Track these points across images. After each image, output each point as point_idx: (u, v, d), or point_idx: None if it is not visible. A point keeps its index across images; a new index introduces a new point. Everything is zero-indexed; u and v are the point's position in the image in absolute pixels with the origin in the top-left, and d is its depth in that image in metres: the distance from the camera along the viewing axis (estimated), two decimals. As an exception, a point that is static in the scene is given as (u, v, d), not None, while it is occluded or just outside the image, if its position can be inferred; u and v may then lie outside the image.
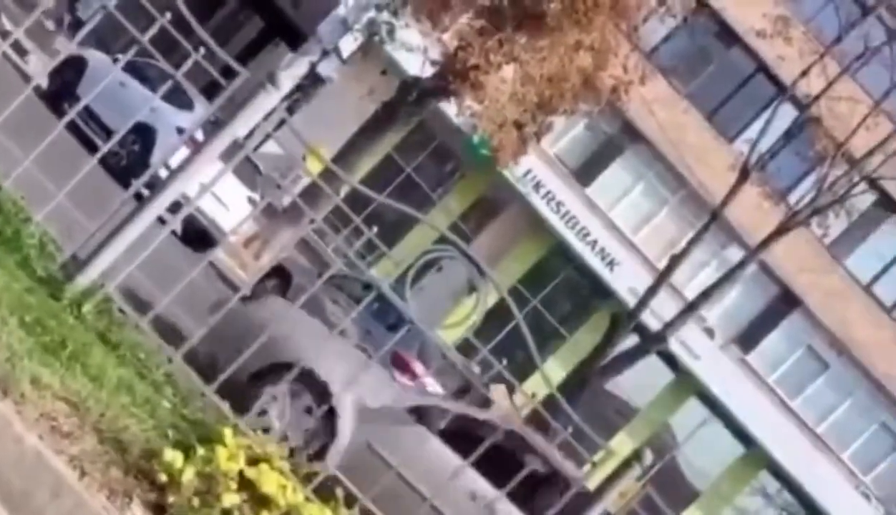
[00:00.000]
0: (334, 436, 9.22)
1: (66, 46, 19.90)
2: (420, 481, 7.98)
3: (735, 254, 30.07)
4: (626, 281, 31.47)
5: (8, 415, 5.44)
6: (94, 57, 20.24)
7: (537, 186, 32.25)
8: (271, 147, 18.74)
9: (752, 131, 28.54)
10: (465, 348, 18.17)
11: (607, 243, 32.55)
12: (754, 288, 32.40)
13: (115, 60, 18.85)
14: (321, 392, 8.85)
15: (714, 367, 32.02)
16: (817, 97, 26.64)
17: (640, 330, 27.85)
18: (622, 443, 28.56)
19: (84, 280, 7.24)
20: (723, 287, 27.49)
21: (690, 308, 27.24)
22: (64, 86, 19.02)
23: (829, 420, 32.89)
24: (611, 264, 32.46)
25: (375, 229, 7.92)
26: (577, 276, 33.20)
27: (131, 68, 17.44)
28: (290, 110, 22.44)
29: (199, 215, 14.56)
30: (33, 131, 7.61)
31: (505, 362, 8.84)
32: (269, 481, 6.29)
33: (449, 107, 23.08)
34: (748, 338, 33.06)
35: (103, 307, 7.30)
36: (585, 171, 33.17)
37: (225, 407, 7.39)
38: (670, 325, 26.95)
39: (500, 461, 8.40)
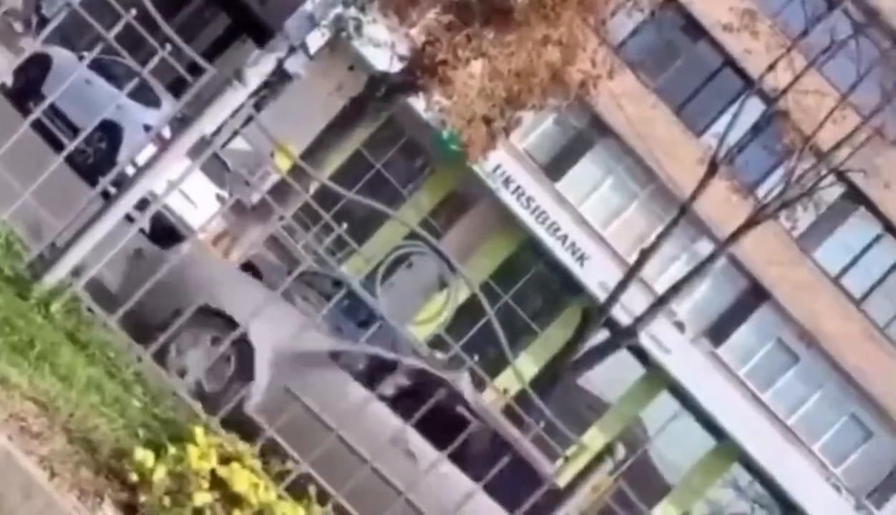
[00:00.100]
0: (251, 379, 9.24)
1: (30, 44, 19.76)
2: (340, 425, 8.00)
3: (705, 247, 30.17)
4: (597, 275, 31.53)
5: (-24, 417, 5.39)
6: (60, 54, 20.11)
7: (507, 181, 32.27)
8: (239, 144, 18.66)
9: (721, 125, 28.62)
10: (437, 344, 18.15)
11: (577, 238, 32.59)
12: (724, 281, 32.53)
13: (81, 58, 18.77)
14: (240, 337, 8.77)
15: (685, 361, 32.12)
16: (784, 91, 26.74)
17: (611, 324, 27.90)
18: (594, 438, 28.60)
19: (52, 279, 7.19)
20: (692, 281, 27.57)
21: (661, 302, 27.31)
22: (29, 84, 18.89)
23: (799, 412, 33.05)
24: (581, 259, 32.50)
25: (345, 225, 7.88)
26: (548, 271, 33.23)
27: (97, 66, 17.32)
28: (258, 107, 22.36)
29: (167, 212, 14.48)
30: (-2, 130, 7.55)
31: (476, 358, 8.83)
32: (241, 479, 6.25)
33: (417, 103, 23.01)
34: (718, 332, 33.18)
35: (71, 306, 7.26)
36: (555, 166, 33.20)
37: (197, 406, 7.35)
38: (641, 320, 27.01)
39: (419, 400, 8.42)
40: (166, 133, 11.87)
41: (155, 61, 7.33)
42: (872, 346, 32.75)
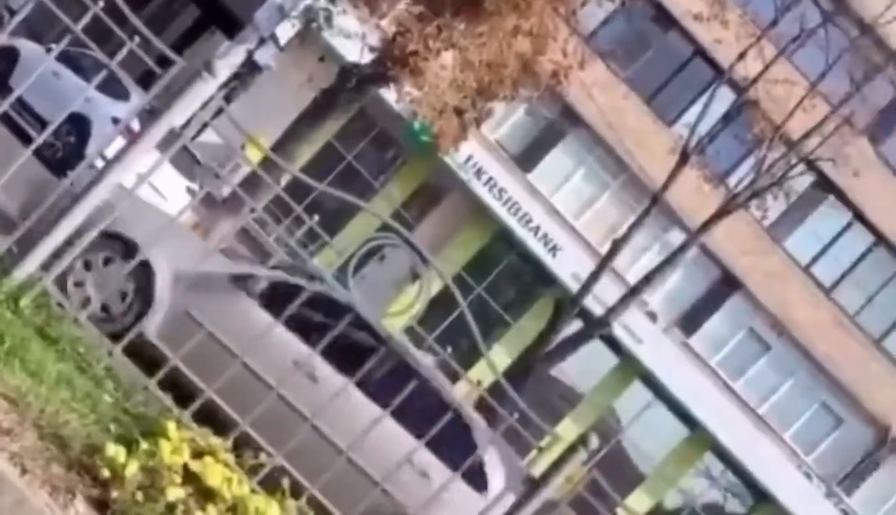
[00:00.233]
0: (151, 303, 9.21)
1: (-3, 37, 19.59)
2: (243, 349, 7.98)
3: (676, 237, 30.23)
4: (569, 266, 31.57)
5: (-56, 413, 5.34)
6: (27, 47, 19.95)
7: (479, 173, 32.25)
8: (209, 136, 18.55)
9: (691, 115, 28.68)
10: (410, 336, 18.11)
11: (550, 229, 32.62)
12: (696, 271, 32.62)
13: (49, 50, 18.61)
14: (141, 262, 8.68)
15: (657, 351, 32.21)
16: (755, 80, 26.82)
17: (584, 315, 27.95)
18: (568, 429, 28.69)
19: (21, 274, 7.13)
20: (664, 270, 27.63)
21: (633, 292, 27.36)
22: (-5, 76, 18.74)
23: (770, 400, 33.21)
24: (553, 250, 32.53)
25: (317, 218, 7.87)
26: (521, 263, 33.24)
27: (65, 58, 17.21)
28: (228, 99, 22.24)
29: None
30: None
31: (450, 350, 8.82)
32: (214, 474, 6.22)
33: (389, 94, 22.98)
34: (690, 321, 33.29)
35: (41, 301, 7.20)
36: (527, 157, 33.21)
37: (168, 400, 7.31)
38: (613, 310, 27.05)
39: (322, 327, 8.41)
40: (135, 126, 11.80)
41: (123, 53, 7.27)
42: (842, 334, 32.94)
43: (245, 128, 8.31)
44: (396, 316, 24.33)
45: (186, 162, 19.86)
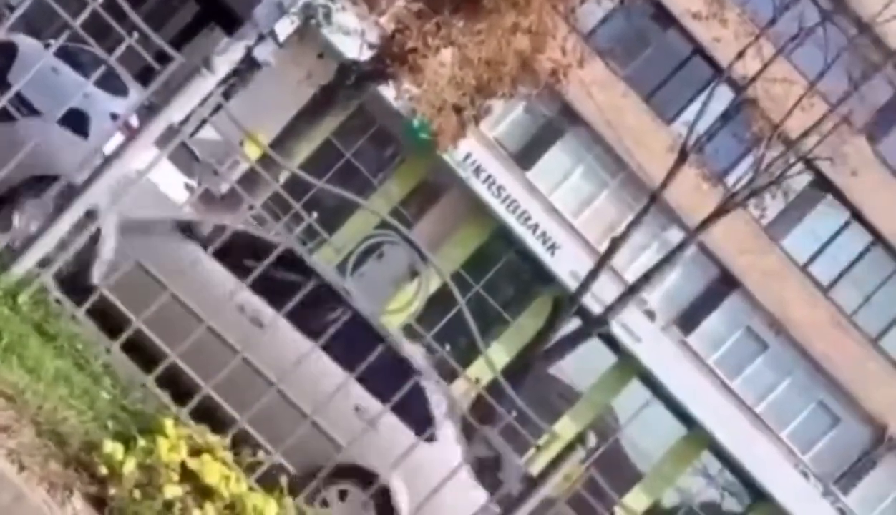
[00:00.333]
0: (98, 251, 9.21)
1: (-4, 33, 19.57)
2: (191, 297, 7.95)
3: (675, 236, 30.23)
4: (568, 264, 31.56)
5: (-58, 410, 5.33)
6: (25, 42, 19.86)
7: (478, 170, 32.23)
8: (208, 133, 18.53)
9: (690, 113, 28.70)
10: (408, 334, 18.09)
11: (548, 227, 32.61)
12: (694, 269, 32.62)
13: (47, 46, 18.57)
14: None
15: (655, 349, 32.21)
16: (753, 79, 26.83)
17: (582, 313, 27.95)
18: (566, 427, 28.66)
19: (19, 270, 7.11)
20: (663, 269, 27.64)
21: (631, 290, 27.36)
22: (-6, 72, 18.69)
23: (768, 399, 33.22)
24: (552, 248, 32.52)
25: (315, 215, 7.84)
26: (519, 261, 33.23)
27: (63, 54, 17.12)
28: (227, 95, 22.22)
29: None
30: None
31: (448, 348, 8.79)
32: (212, 471, 6.20)
33: (388, 91, 22.97)
34: (688, 320, 33.29)
35: (39, 297, 7.19)
36: (525, 155, 33.20)
37: (165, 397, 7.29)
38: (612, 308, 27.06)
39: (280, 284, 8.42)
40: (134, 122, 11.76)
41: (122, 49, 7.26)
42: (840, 333, 32.95)
43: (244, 125, 8.29)
44: (395, 313, 24.35)
45: (185, 158, 19.81)
